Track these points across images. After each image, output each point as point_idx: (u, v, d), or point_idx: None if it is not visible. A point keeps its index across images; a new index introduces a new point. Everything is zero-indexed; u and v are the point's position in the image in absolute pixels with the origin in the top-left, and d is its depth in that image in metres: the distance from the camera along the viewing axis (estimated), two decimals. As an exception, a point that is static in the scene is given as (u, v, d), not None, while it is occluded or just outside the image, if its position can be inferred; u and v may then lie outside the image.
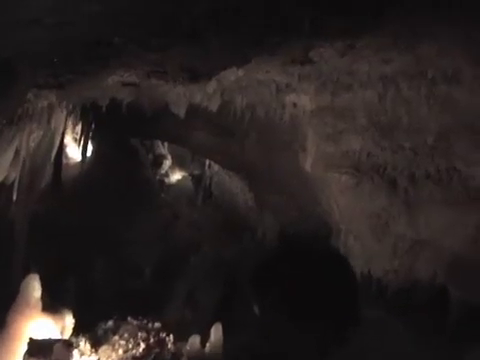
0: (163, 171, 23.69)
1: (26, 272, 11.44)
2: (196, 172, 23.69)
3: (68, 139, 20.06)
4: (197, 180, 22.99)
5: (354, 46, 9.40)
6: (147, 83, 10.78)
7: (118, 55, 6.64)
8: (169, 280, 16.21)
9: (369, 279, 13.00)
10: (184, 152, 22.70)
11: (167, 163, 24.05)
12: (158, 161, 23.69)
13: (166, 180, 23.42)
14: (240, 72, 10.73)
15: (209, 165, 21.54)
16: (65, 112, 10.89)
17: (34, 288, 10.99)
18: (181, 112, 13.33)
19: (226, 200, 20.99)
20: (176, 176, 24.19)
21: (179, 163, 24.57)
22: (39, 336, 10.94)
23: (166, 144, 23.52)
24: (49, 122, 10.07)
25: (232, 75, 11.02)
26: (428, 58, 9.88)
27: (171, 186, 23.30)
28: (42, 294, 11.07)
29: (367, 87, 11.32)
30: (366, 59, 10.23)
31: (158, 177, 23.13)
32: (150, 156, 23.36)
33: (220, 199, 21.43)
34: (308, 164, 13.04)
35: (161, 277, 16.35)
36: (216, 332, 11.84)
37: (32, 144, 10.60)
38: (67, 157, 20.17)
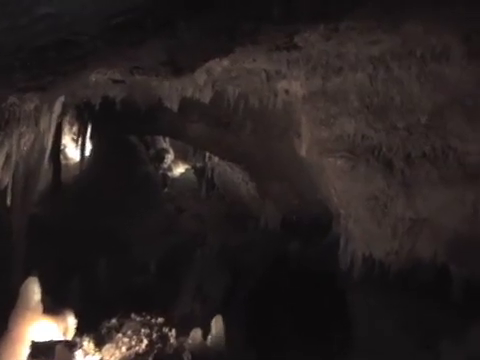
0: (166, 165, 23.70)
1: (26, 275, 11.44)
2: (199, 164, 23.69)
3: (67, 139, 20.12)
4: (200, 172, 23.00)
5: (337, 29, 9.32)
6: (136, 79, 10.77)
7: (92, 54, 6.62)
8: (176, 275, 16.22)
9: (371, 261, 13.01)
10: (186, 145, 22.66)
11: (169, 157, 24.07)
12: (160, 155, 23.69)
13: (169, 174, 23.43)
14: (225, 62, 10.71)
15: (209, 157, 21.54)
16: (55, 113, 10.84)
17: (34, 291, 10.99)
18: (174, 106, 13.32)
19: (229, 191, 21.00)
20: (179, 169, 24.22)
21: (181, 156, 24.59)
22: (41, 338, 10.97)
23: (167, 138, 23.53)
24: (37, 125, 10.03)
25: (218, 66, 11.01)
26: (415, 37, 9.80)
27: (175, 180, 23.31)
28: (43, 296, 11.06)
29: (357, 69, 11.26)
30: (353, 41, 10.15)
31: (161, 171, 23.13)
32: (152, 151, 23.35)
33: (223, 190, 21.43)
34: (303, 150, 13.02)
35: (167, 272, 16.34)
36: (217, 324, 11.84)
37: (24, 148, 10.57)
38: (66, 158, 20.23)
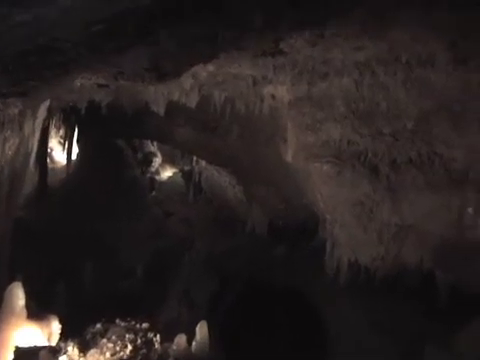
0: (153, 169, 23.66)
1: (11, 280, 11.36)
2: (186, 168, 23.66)
3: (53, 143, 20.05)
4: (188, 176, 22.97)
5: (323, 35, 9.33)
6: (121, 83, 10.73)
7: (75, 60, 6.59)
8: (163, 279, 16.18)
9: (357, 267, 13.02)
10: (174, 148, 22.64)
11: (157, 160, 24.03)
12: (148, 159, 23.67)
13: (157, 178, 23.39)
14: (211, 67, 10.71)
15: (197, 161, 21.53)
16: (40, 118, 10.82)
17: (18, 296, 10.91)
18: (160, 110, 13.33)
19: (216, 194, 21.01)
20: (167, 173, 24.18)
21: (169, 160, 24.56)
22: (25, 344, 10.88)
23: (155, 142, 23.50)
24: (22, 129, 9.99)
25: (204, 71, 11.01)
26: (401, 43, 9.84)
27: (162, 183, 23.28)
28: (27, 301, 10.96)
29: (343, 75, 11.28)
30: (339, 47, 10.17)
31: (149, 175, 23.10)
32: (139, 154, 23.32)
33: (210, 194, 21.42)
34: (289, 155, 13.03)
35: (154, 277, 16.30)
36: (202, 330, 11.78)
37: (9, 152, 10.52)
38: (53, 161, 20.17)
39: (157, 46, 6.89)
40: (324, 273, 13.65)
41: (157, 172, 23.74)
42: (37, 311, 11.52)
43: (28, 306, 11.05)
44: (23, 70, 6.54)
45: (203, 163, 20.82)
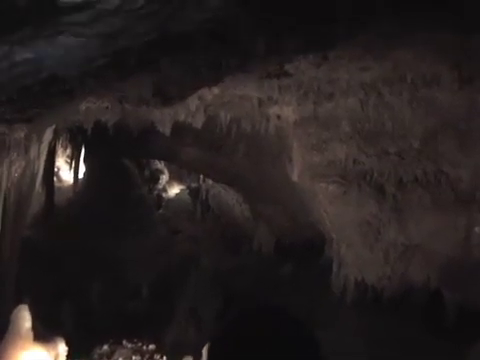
0: (160, 186, 23.64)
1: (18, 301, 11.36)
2: (194, 185, 23.62)
3: (60, 162, 20.11)
4: (195, 193, 22.92)
5: (327, 57, 9.37)
6: (126, 106, 10.79)
7: (79, 87, 6.62)
8: (169, 298, 16.14)
9: (364, 286, 12.98)
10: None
11: (164, 178, 24.01)
12: (155, 176, 23.65)
13: (164, 195, 23.37)
14: (216, 90, 10.73)
15: (203, 178, 21.50)
16: (46, 141, 10.86)
17: (25, 318, 10.91)
18: (167, 130, 13.33)
19: (223, 212, 20.94)
20: (174, 190, 24.14)
21: (176, 177, 24.52)
22: (31, 366, 10.88)
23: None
24: (28, 152, 10.03)
25: (209, 93, 11.03)
26: (406, 63, 9.86)
27: (170, 201, 23.25)
28: (34, 323, 10.96)
29: (349, 95, 11.28)
30: (344, 68, 10.19)
31: (156, 192, 23.08)
32: (146, 172, 23.32)
33: (218, 211, 21.37)
34: (295, 175, 13.01)
35: (161, 296, 16.27)
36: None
37: (15, 174, 10.56)
38: (60, 180, 20.21)
39: (160, 73, 6.92)
40: (331, 292, 13.62)
41: (164, 189, 23.70)
42: (43, 333, 11.50)
43: (34, 328, 11.05)
44: (27, 99, 6.57)
45: (210, 181, 20.79)
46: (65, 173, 20.41)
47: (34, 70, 5.09)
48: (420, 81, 10.36)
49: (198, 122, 12.89)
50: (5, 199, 10.76)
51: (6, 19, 4.26)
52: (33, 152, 10.34)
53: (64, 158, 20.25)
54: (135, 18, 4.86)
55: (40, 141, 10.38)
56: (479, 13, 7.28)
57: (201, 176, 21.67)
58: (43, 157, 11.14)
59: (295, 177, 13.06)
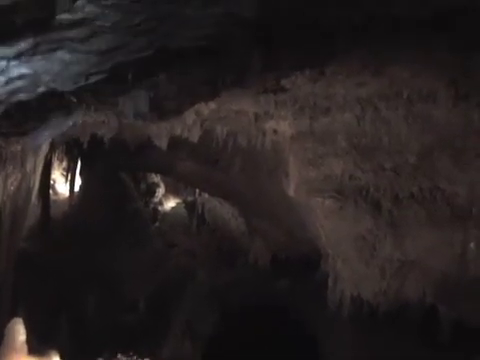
0: (156, 199, 23.62)
1: (13, 315, 11.33)
2: (190, 199, 23.62)
3: (56, 174, 20.10)
4: (191, 207, 22.92)
5: (323, 73, 9.38)
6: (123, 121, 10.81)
7: (76, 103, 6.63)
8: (165, 312, 16.13)
9: (359, 301, 12.97)
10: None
11: (160, 191, 23.99)
12: (151, 189, 23.63)
13: (160, 208, 23.35)
14: (212, 105, 10.75)
15: (199, 193, 21.52)
16: (42, 154, 10.88)
17: (19, 332, 10.88)
18: (163, 144, 13.35)
19: (219, 226, 20.96)
20: (170, 204, 24.13)
21: (172, 190, 24.51)
22: (25, 380, 10.84)
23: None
24: (24, 165, 10.03)
25: (206, 108, 11.05)
26: (402, 80, 9.85)
27: (166, 214, 23.23)
28: (29, 336, 10.94)
29: (345, 110, 11.27)
30: (340, 83, 10.18)
31: (152, 205, 23.06)
32: (143, 185, 23.30)
33: (213, 225, 21.37)
34: (291, 189, 13.01)
35: (157, 309, 16.25)
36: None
37: (11, 187, 10.55)
38: (56, 193, 20.18)
39: (157, 89, 6.94)
40: (327, 307, 13.61)
41: (160, 203, 23.68)
42: (38, 346, 11.48)
43: (29, 341, 11.02)
44: (23, 113, 6.58)
45: (206, 195, 20.81)
46: (61, 186, 20.41)
47: (32, 85, 5.10)
48: (416, 97, 10.37)
49: (194, 136, 12.91)
50: (1, 212, 10.75)
51: (4, 34, 4.28)
52: (29, 165, 10.34)
53: (60, 171, 20.26)
54: (132, 35, 4.88)
55: (36, 154, 10.38)
56: (476, 32, 7.29)
57: (197, 190, 21.68)
58: (39, 171, 11.14)
59: (291, 192, 13.06)
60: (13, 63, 4.48)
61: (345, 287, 13.11)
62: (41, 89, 5.50)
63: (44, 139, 9.81)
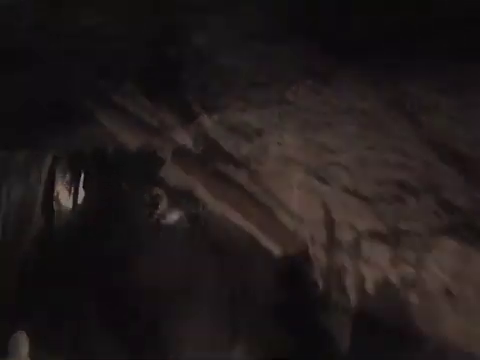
0: (159, 211, 23.61)
1: (16, 325, 11.33)
2: (193, 211, 23.58)
3: (60, 187, 20.13)
4: (194, 219, 22.88)
5: (327, 84, 9.41)
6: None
7: (80, 113, 6.65)
8: (169, 322, 16.16)
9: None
10: (181, 191, 22.60)
11: (163, 203, 23.98)
12: (154, 202, 23.61)
13: (163, 221, 23.33)
14: (215, 117, 10.79)
15: (203, 205, 21.47)
16: (46, 166, 10.92)
17: (22, 344, 10.86)
18: (167, 156, 13.39)
19: (222, 238, 20.90)
20: (173, 216, 24.09)
21: (176, 203, 24.49)
22: (30, 393, 10.81)
23: (162, 184, 23.47)
24: (28, 176, 10.08)
25: (209, 120, 11.08)
26: (405, 89, 9.86)
27: (168, 226, 23.22)
28: (32, 350, 10.93)
29: (348, 122, 11.27)
30: (344, 95, 10.20)
31: (155, 217, 23.05)
32: (146, 197, 23.29)
33: (216, 237, 21.33)
34: (295, 202, 13.01)
35: (160, 320, 16.28)
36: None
37: (15, 199, 10.59)
38: (59, 204, 20.20)
39: (159, 103, 6.96)
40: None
41: (163, 215, 23.66)
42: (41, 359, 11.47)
43: (32, 354, 11.01)
44: (27, 123, 6.61)
45: (209, 207, 20.76)
46: (64, 198, 20.43)
47: (35, 95, 5.12)
48: (419, 108, 10.35)
49: (198, 148, 12.93)
50: (4, 223, 10.78)
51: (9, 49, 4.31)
52: (33, 176, 10.38)
53: (63, 183, 20.28)
54: (137, 45, 4.91)
55: (40, 165, 10.42)
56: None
57: (200, 201, 21.65)
58: (43, 181, 11.18)
59: (295, 205, 13.06)
60: (15, 71, 4.50)
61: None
62: (46, 100, 5.53)
63: (48, 150, 9.86)
